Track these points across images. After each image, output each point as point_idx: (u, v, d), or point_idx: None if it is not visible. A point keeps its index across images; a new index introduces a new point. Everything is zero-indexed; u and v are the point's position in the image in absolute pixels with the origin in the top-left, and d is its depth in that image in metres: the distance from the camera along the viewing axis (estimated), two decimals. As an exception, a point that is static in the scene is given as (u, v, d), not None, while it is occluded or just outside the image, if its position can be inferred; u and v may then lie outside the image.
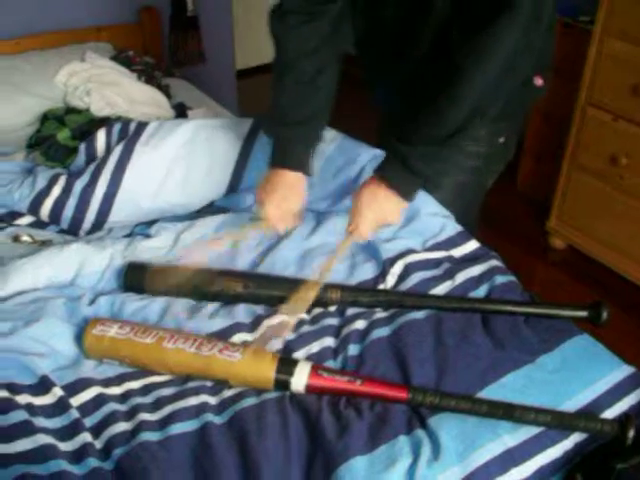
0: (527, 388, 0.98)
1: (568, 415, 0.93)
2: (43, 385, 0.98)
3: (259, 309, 1.15)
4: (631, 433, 0.89)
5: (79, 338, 1.06)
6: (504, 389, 0.98)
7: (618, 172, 2.12)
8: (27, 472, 0.84)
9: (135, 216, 1.42)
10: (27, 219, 1.42)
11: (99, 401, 0.97)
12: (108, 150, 1.47)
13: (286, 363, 0.98)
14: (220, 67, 2.71)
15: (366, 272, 1.23)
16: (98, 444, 0.91)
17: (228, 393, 0.99)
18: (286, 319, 1.09)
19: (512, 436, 0.91)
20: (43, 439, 0.89)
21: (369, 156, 1.39)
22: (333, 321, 1.12)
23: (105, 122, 1.68)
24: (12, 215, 1.42)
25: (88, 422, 0.94)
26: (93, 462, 0.87)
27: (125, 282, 1.19)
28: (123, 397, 0.99)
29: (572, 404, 0.96)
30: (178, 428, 0.92)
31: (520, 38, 0.99)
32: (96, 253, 1.23)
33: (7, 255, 1.25)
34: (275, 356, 1.00)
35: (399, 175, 1.09)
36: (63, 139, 1.65)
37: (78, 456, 0.89)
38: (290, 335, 1.08)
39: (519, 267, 1.34)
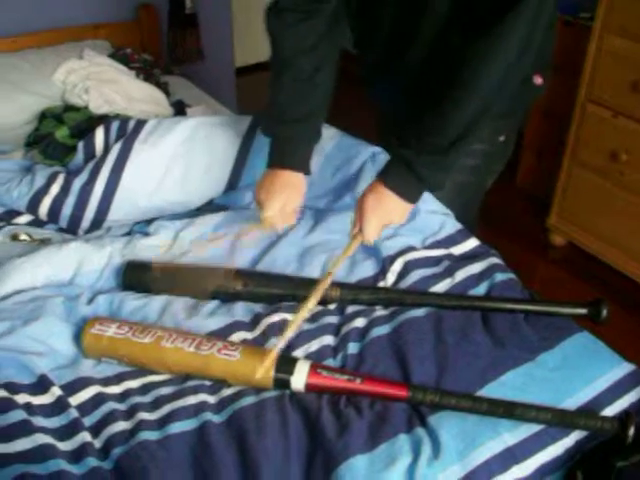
0: (527, 386, 0.98)
1: (568, 413, 0.93)
2: (42, 384, 0.98)
3: (258, 307, 1.14)
4: (631, 431, 0.89)
5: (78, 337, 1.06)
6: (504, 387, 0.98)
7: (618, 168, 2.12)
8: (26, 472, 0.84)
9: (134, 214, 1.42)
10: (25, 218, 1.42)
11: (98, 400, 0.97)
12: (107, 148, 1.46)
13: (285, 362, 0.98)
14: (219, 64, 2.71)
15: (366, 270, 1.23)
16: (97, 443, 0.91)
17: (227, 392, 0.99)
18: (288, 318, 1.08)
19: (512, 434, 0.91)
20: (42, 439, 0.89)
21: (368, 154, 1.39)
22: (333, 319, 1.12)
23: (104, 120, 1.67)
24: (10, 214, 1.41)
25: (87, 421, 0.94)
26: (92, 462, 0.87)
27: (124, 281, 1.19)
28: (122, 396, 0.99)
29: (572, 402, 0.96)
30: (177, 427, 0.92)
31: (525, 36, 0.97)
32: (95, 252, 1.23)
33: (5, 254, 1.25)
34: (274, 354, 0.99)
35: (404, 180, 1.07)
36: (61, 137, 1.65)
37: (77, 456, 0.88)
38: (290, 334, 1.07)
39: (519, 264, 1.34)
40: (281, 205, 1.17)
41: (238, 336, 1.08)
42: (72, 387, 0.98)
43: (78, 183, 1.40)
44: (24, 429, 0.90)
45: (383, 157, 1.36)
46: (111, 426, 0.92)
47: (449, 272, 1.21)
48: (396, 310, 1.13)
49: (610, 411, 0.96)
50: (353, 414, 0.93)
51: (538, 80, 1.24)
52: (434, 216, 1.30)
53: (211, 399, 0.97)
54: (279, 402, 0.95)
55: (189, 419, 0.93)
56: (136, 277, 1.19)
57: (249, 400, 0.96)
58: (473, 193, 1.39)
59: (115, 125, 1.49)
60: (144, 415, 0.94)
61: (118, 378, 1.02)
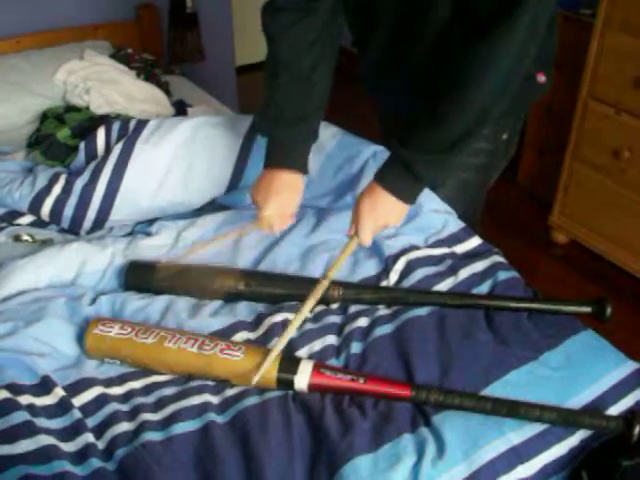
0: (531, 385, 0.98)
1: (573, 412, 0.93)
2: (45, 385, 0.98)
3: (261, 307, 1.14)
4: (637, 429, 0.88)
5: (80, 338, 1.05)
6: (508, 386, 0.98)
7: (620, 166, 2.11)
8: (30, 473, 0.84)
9: (136, 214, 1.41)
10: (27, 218, 1.42)
11: (101, 401, 0.96)
12: (108, 148, 1.46)
13: (289, 362, 0.98)
14: (220, 64, 2.70)
15: (369, 269, 1.23)
16: (100, 444, 0.91)
17: (230, 392, 0.99)
18: (290, 318, 1.08)
19: (517, 434, 0.90)
20: (45, 440, 0.89)
21: (370, 152, 1.38)
22: (335, 319, 1.12)
23: (105, 120, 1.67)
24: (12, 214, 1.41)
25: (90, 422, 0.94)
26: (96, 462, 0.87)
27: (126, 281, 1.19)
28: (125, 397, 0.98)
29: (577, 401, 0.96)
30: (180, 428, 0.92)
31: (526, 38, 0.96)
32: (97, 252, 1.22)
33: (8, 255, 1.25)
34: (273, 353, 0.99)
35: (401, 180, 1.06)
36: (63, 138, 1.64)
37: (81, 457, 0.88)
38: (293, 333, 1.07)
39: (522, 262, 1.34)
40: (279, 205, 1.17)
41: (241, 336, 1.08)
42: (75, 388, 0.98)
43: (80, 184, 1.40)
44: (27, 430, 0.89)
45: (385, 156, 1.35)
46: (114, 427, 0.92)
47: (452, 271, 1.20)
48: (399, 309, 1.13)
49: (615, 410, 0.95)
50: (357, 414, 0.93)
51: (541, 78, 1.23)
52: (437, 215, 1.30)
53: (214, 399, 0.97)
54: (283, 402, 0.95)
55: (192, 419, 0.93)
56: (138, 277, 1.18)
57: (252, 400, 0.96)
58: (476, 191, 1.38)
59: (116, 125, 1.49)
60: (147, 416, 0.94)
61: (121, 379, 1.01)
